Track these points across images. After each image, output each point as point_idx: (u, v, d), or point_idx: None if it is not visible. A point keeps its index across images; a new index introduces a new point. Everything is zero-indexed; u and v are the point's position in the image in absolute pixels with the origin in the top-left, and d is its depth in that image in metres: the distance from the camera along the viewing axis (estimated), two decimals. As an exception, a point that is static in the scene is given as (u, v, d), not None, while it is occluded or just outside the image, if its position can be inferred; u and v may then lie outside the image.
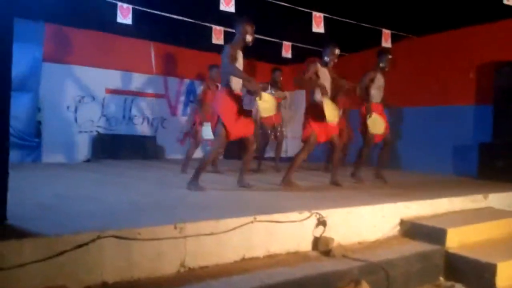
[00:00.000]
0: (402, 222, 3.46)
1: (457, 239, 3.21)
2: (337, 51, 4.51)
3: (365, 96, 5.01)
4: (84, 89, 7.47)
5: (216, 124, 3.98)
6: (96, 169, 5.97)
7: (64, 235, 2.04)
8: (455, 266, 3.05)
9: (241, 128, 3.97)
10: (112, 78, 7.78)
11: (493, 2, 5.01)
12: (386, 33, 6.82)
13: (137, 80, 8.13)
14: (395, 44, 6.60)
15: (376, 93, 5.02)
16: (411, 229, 3.38)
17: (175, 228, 2.35)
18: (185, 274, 2.35)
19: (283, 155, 9.58)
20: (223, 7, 5.33)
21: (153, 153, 8.09)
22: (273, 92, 6.44)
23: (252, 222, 2.63)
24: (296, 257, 2.76)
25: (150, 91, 8.34)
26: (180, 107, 8.82)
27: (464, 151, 6.40)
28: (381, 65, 5.05)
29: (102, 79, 7.61)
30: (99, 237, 2.10)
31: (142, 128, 8.26)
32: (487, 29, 6.18)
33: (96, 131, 7.65)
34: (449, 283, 2.98)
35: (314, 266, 2.59)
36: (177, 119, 8.70)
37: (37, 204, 3.00)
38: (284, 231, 2.78)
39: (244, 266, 2.51)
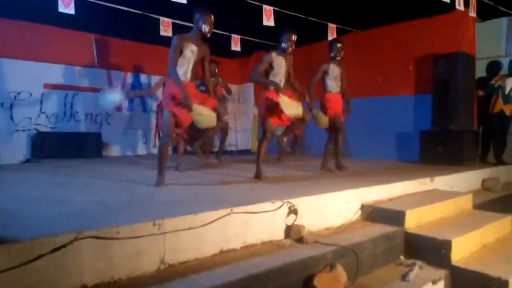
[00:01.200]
0: (363, 207, 3.63)
1: (414, 220, 3.44)
2: (294, 37, 4.48)
3: (322, 87, 5.15)
4: (20, 84, 6.91)
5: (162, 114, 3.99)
6: (41, 169, 5.58)
7: (40, 238, 1.91)
8: (414, 244, 3.27)
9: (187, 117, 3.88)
10: (51, 72, 7.27)
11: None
12: (332, 27, 7.09)
13: (79, 74, 7.69)
14: (340, 38, 6.86)
15: (333, 83, 5.12)
16: (372, 213, 3.56)
17: (154, 224, 2.29)
18: (165, 271, 2.30)
19: (233, 148, 9.65)
20: (175, -2, 5.22)
21: (99, 151, 7.71)
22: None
23: (229, 214, 2.63)
24: (271, 246, 2.81)
25: (92, 85, 7.92)
26: (125, 102, 8.50)
27: (406, 138, 6.84)
28: (331, 54, 5.13)
29: (40, 73, 7.10)
30: (76, 239, 1.99)
31: (85, 125, 7.84)
32: (425, 24, 6.63)
33: (35, 129, 7.14)
34: (409, 261, 3.18)
35: (290, 253, 2.65)
36: (122, 114, 8.39)
37: (-8, 209, 2.76)
38: (259, 222, 2.82)
39: (223, 259, 2.51)
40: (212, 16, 3.96)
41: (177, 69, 3.86)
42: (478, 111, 6.52)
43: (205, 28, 3.92)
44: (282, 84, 4.50)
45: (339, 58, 5.12)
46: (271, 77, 4.46)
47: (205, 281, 2.16)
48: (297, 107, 4.28)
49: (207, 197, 3.37)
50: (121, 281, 2.13)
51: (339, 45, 5.12)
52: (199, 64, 4.09)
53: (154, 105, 8.71)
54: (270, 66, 4.48)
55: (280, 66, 4.49)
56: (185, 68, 3.93)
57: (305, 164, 5.84)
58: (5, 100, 6.79)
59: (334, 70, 5.11)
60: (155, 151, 8.59)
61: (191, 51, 3.92)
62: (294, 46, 4.51)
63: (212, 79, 6.62)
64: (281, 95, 4.25)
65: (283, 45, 4.48)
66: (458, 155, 5.88)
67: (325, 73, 5.10)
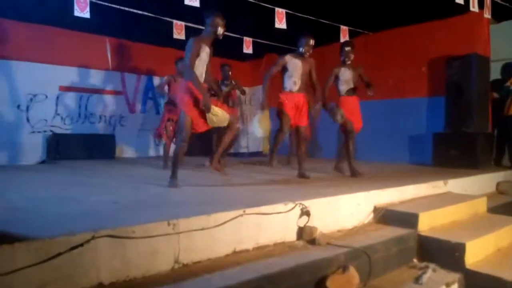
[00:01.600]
0: (376, 209, 3.62)
1: (427, 223, 3.42)
2: (311, 42, 4.61)
3: (337, 91, 5.18)
4: (36, 86, 7.08)
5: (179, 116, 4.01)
6: (57, 170, 5.70)
7: (58, 237, 1.95)
8: (428, 247, 3.25)
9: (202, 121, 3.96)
10: (66, 74, 7.44)
11: (444, 0, 5.36)
12: (344, 29, 7.07)
13: (93, 77, 7.83)
14: (351, 40, 6.84)
15: (344, 87, 5.12)
16: (385, 215, 3.55)
17: (169, 224, 2.32)
18: (179, 270, 2.33)
19: (244, 150, 9.69)
20: (188, 1, 5.27)
21: (112, 152, 7.82)
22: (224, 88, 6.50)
23: (241, 215, 2.65)
24: (283, 247, 2.82)
25: (106, 88, 8.05)
26: (139, 104, 8.61)
27: (419, 141, 6.79)
28: (341, 58, 5.15)
29: (55, 76, 7.26)
30: (93, 238, 2.04)
31: (100, 127, 7.96)
32: (439, 25, 6.59)
33: (50, 130, 7.28)
34: (423, 264, 3.17)
35: (303, 255, 2.66)
36: (135, 116, 8.50)
37: (11, 208, 2.83)
38: (271, 223, 2.83)
39: (235, 259, 2.53)
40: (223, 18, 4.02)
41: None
42: (493, 114, 6.44)
43: (220, 30, 4.00)
44: (297, 86, 4.67)
45: (349, 62, 5.11)
46: (286, 79, 4.68)
47: (218, 281, 2.19)
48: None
49: (220, 198, 3.40)
50: (136, 280, 2.17)
51: (347, 48, 5.12)
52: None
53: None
54: (285, 68, 4.65)
55: (295, 68, 4.64)
56: (200, 70, 3.97)
57: (316, 166, 5.83)
58: (21, 102, 6.94)
59: (345, 74, 5.10)
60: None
61: (206, 53, 3.99)
62: (311, 51, 4.66)
63: (226, 82, 6.69)
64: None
65: (300, 49, 4.64)
66: (472, 158, 5.81)
67: (336, 77, 5.11)
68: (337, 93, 5.19)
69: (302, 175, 4.74)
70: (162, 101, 8.74)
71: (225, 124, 4.02)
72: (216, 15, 3.99)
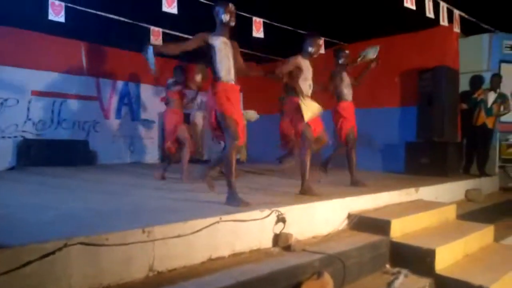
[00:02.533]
0: (350, 216, 3.69)
1: (399, 229, 3.50)
2: (320, 42, 4.35)
3: (336, 96, 5.03)
4: (7, 90, 6.87)
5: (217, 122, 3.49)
6: (27, 177, 5.53)
7: (29, 245, 1.91)
8: (400, 253, 3.33)
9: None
10: (39, 79, 7.24)
11: (415, 14, 5.54)
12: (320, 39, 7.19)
13: (67, 82, 7.65)
14: (327, 50, 6.97)
15: (347, 91, 5.03)
16: (359, 222, 3.62)
17: (143, 232, 2.30)
18: (154, 278, 2.31)
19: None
20: (165, 8, 5.26)
21: (86, 159, 7.65)
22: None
23: (218, 222, 2.65)
24: (259, 254, 2.84)
25: (81, 93, 7.88)
26: (113, 110, 8.48)
27: (392, 149, 6.96)
28: (340, 62, 5.02)
29: (28, 80, 7.07)
30: (66, 245, 2.00)
31: (73, 132, 7.78)
32: (410, 38, 6.80)
33: (21, 136, 7.08)
34: (395, 269, 3.23)
35: (278, 261, 2.68)
36: (110, 122, 8.36)
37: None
38: (247, 230, 2.85)
39: (212, 266, 2.53)
40: (232, 5, 3.55)
41: (218, 68, 3.46)
42: (462, 124, 6.68)
43: (226, 17, 3.48)
44: (312, 89, 4.27)
45: (348, 65, 5.03)
46: (301, 82, 4.17)
47: (193, 288, 2.18)
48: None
49: (196, 204, 3.38)
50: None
51: (347, 51, 5.04)
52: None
53: (143, 114, 8.72)
54: (299, 69, 4.18)
55: (308, 70, 4.26)
56: (225, 64, 3.48)
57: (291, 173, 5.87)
58: (-9, 106, 6.73)
59: (346, 78, 5.02)
60: (143, 159, 8.60)
61: (223, 43, 3.49)
62: (319, 51, 4.36)
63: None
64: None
65: (309, 49, 4.23)
66: (442, 167, 6.01)
67: (341, 80, 4.98)
68: (339, 97, 5.01)
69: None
70: (137, 109, 8.74)
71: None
72: (222, 3, 3.53)
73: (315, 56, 4.31)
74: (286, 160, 6.12)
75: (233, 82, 3.52)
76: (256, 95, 8.25)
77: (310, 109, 4.06)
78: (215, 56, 3.47)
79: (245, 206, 3.14)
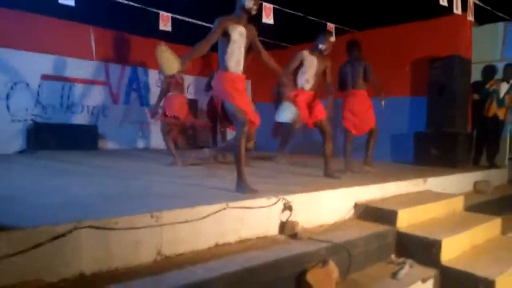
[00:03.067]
0: (356, 205, 3.69)
1: (406, 219, 3.50)
2: (332, 39, 4.38)
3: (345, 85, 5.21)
4: (17, 74, 6.91)
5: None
6: (37, 160, 5.60)
7: (40, 227, 1.95)
8: (405, 243, 3.34)
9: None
10: (49, 63, 7.28)
11: (428, 1, 5.44)
12: (330, 26, 7.11)
13: (77, 66, 7.66)
14: (339, 38, 6.89)
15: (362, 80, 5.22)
16: (365, 212, 3.62)
17: (152, 216, 2.33)
18: (162, 262, 2.34)
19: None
20: (175, -7, 5.23)
21: (94, 143, 7.72)
22: None
23: (225, 208, 2.67)
24: (265, 241, 2.86)
25: (90, 78, 7.91)
26: (122, 95, 8.50)
27: (401, 140, 6.90)
28: (355, 54, 5.26)
29: (38, 64, 7.09)
30: (75, 228, 2.03)
31: (82, 117, 7.83)
32: (423, 26, 6.68)
33: (31, 120, 7.14)
34: (400, 260, 3.25)
35: (284, 248, 2.70)
36: (119, 107, 8.40)
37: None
38: (254, 217, 2.86)
39: (218, 252, 2.56)
40: None
41: (227, 58, 3.35)
42: (473, 115, 6.60)
43: (249, 3, 3.31)
44: (309, 84, 4.38)
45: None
46: (299, 75, 4.32)
47: (201, 272, 2.21)
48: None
49: (204, 191, 3.40)
50: (118, 271, 2.17)
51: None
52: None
53: (152, 99, 8.73)
54: (301, 64, 4.33)
55: (310, 65, 4.33)
56: (236, 56, 3.38)
57: (303, 162, 5.88)
58: (1, 90, 6.77)
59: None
60: (151, 144, 8.65)
61: (239, 34, 3.36)
62: (331, 49, 4.39)
63: None
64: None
65: (320, 46, 4.32)
66: (451, 158, 5.96)
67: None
68: (349, 86, 5.19)
69: (329, 175, 4.38)
70: (146, 94, 8.76)
71: None
72: None
73: (325, 53, 4.37)
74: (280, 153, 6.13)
75: (240, 73, 3.44)
76: (264, 84, 8.21)
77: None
78: (227, 46, 3.35)
79: (252, 193, 3.16)
